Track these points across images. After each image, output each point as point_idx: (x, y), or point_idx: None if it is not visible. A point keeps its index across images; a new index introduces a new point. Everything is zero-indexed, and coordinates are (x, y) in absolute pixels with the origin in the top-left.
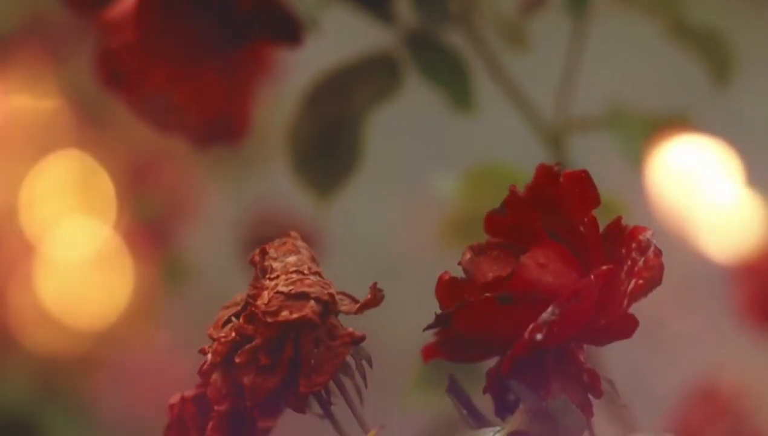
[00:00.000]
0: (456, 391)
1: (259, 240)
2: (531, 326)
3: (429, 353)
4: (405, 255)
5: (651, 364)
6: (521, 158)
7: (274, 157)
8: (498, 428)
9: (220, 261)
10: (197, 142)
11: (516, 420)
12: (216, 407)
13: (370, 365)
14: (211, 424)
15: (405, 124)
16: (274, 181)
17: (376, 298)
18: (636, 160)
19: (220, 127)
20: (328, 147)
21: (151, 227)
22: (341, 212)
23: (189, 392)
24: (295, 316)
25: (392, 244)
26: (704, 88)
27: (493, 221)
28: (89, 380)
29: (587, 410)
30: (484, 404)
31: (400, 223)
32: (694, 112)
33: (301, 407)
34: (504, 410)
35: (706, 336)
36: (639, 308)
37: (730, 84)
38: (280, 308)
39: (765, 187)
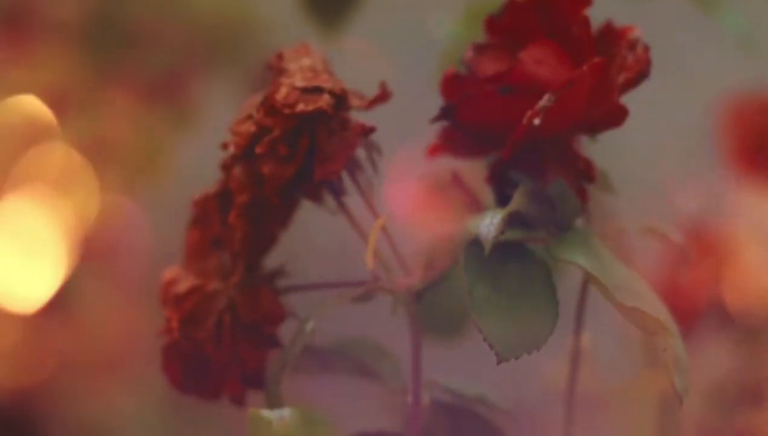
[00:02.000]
0: (459, 184)
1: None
2: (529, 113)
3: (434, 150)
4: (404, 93)
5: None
6: None
7: None
8: (498, 210)
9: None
10: None
11: (515, 202)
12: (238, 198)
13: (380, 156)
14: (233, 213)
15: None
16: None
17: (385, 94)
18: None
19: None
20: None
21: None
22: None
23: (212, 189)
24: (310, 107)
25: (392, 83)
26: None
27: (492, 25)
28: None
29: (582, 195)
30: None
31: (400, 62)
32: None
33: (316, 196)
34: (504, 200)
35: (694, 182)
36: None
37: None
38: (297, 101)
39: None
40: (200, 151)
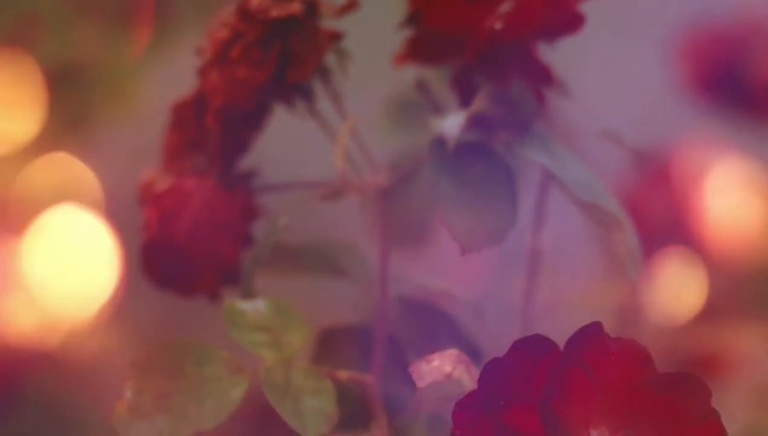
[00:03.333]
0: (423, 89)
1: None
2: (490, 18)
3: (401, 58)
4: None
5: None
6: None
7: None
8: (461, 112)
9: None
10: None
11: (477, 103)
12: (213, 102)
13: (350, 62)
14: (208, 117)
15: None
16: None
17: (353, 2)
18: None
19: None
20: None
21: None
22: None
23: (188, 94)
24: (283, 13)
25: None
26: None
27: None
28: None
29: (541, 99)
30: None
31: None
32: None
33: (288, 100)
34: (467, 104)
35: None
36: None
37: None
38: (270, 7)
39: None
40: (174, 74)
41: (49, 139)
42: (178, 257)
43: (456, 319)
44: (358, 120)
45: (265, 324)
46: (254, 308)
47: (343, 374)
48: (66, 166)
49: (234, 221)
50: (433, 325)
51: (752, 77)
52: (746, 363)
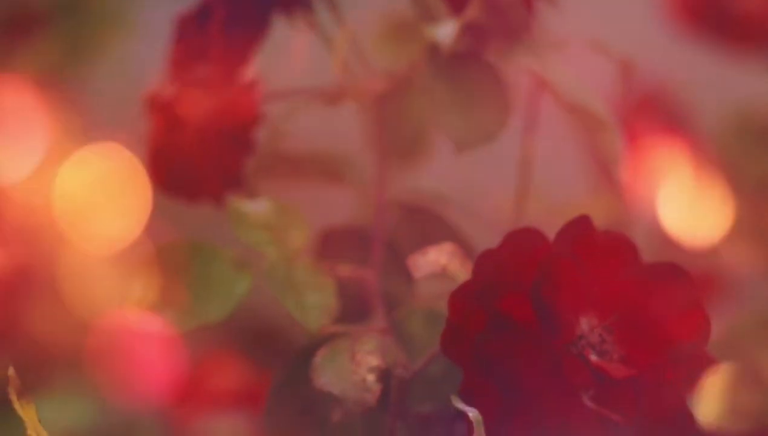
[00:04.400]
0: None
1: None
2: None
3: None
4: None
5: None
6: None
7: None
8: (453, 20)
9: None
10: None
11: (469, 12)
12: (217, 13)
13: None
14: (213, 27)
15: None
16: None
17: None
18: None
19: None
20: None
21: None
22: None
23: (192, 7)
24: None
25: None
26: None
27: None
28: None
29: (532, 8)
30: None
31: None
32: None
33: (288, 11)
34: (459, 12)
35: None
36: None
37: None
38: None
39: None
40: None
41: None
42: (184, 163)
43: (450, 221)
44: (355, 29)
45: (268, 223)
46: (257, 208)
47: (344, 270)
48: None
49: (238, 129)
50: (428, 227)
51: (737, 7)
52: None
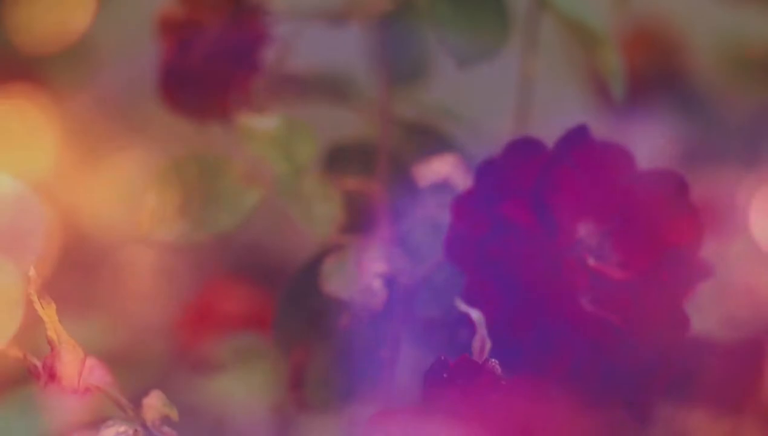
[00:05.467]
0: None
1: None
2: None
3: None
4: None
5: None
6: None
7: None
8: None
9: None
10: None
11: None
12: None
13: None
14: None
15: None
16: None
17: None
18: None
19: None
20: None
21: None
22: None
23: None
24: None
25: None
26: None
27: None
28: None
29: None
30: None
31: None
32: None
33: None
34: None
35: None
36: None
37: None
38: None
39: None
40: None
41: None
42: (194, 83)
43: (453, 137)
44: None
45: (277, 138)
46: (266, 124)
47: (350, 183)
48: None
49: (246, 49)
50: (431, 142)
51: None
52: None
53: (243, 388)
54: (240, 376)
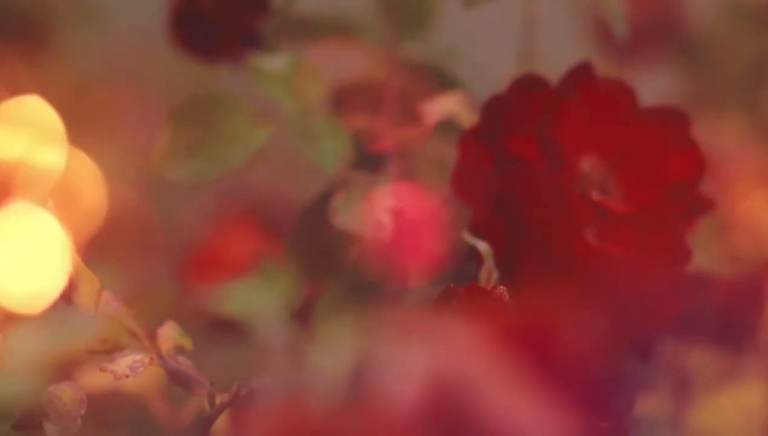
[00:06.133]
0: None
1: None
2: None
3: None
4: None
5: None
6: None
7: None
8: None
9: None
10: None
11: None
12: None
13: None
14: None
15: None
16: None
17: None
18: None
19: None
20: None
21: None
22: None
23: None
24: None
25: None
26: None
27: None
28: None
29: None
30: None
31: None
32: None
33: None
34: None
35: None
36: None
37: None
38: None
39: None
40: None
41: None
42: (205, 23)
43: (459, 77)
44: None
45: (286, 77)
46: (275, 63)
47: (358, 121)
48: None
49: None
50: (437, 82)
51: None
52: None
53: (262, 299)
54: (258, 286)
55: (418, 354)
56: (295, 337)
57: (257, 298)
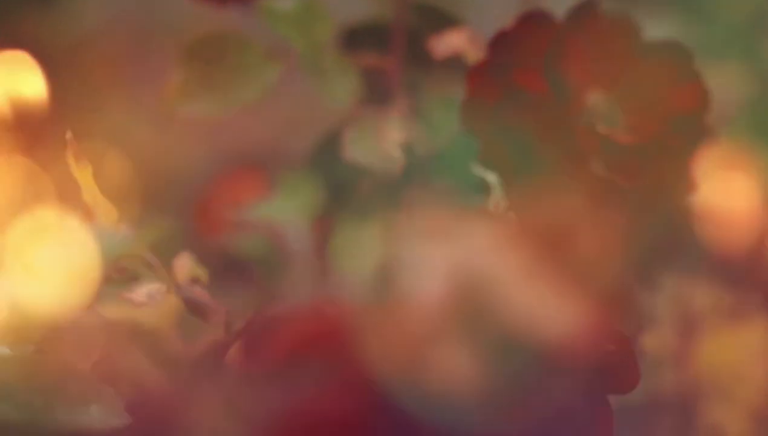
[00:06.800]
0: None
1: None
2: None
3: None
4: None
5: None
6: None
7: None
8: None
9: None
10: None
11: None
12: None
13: None
14: None
15: None
16: None
17: None
18: None
19: None
20: None
21: None
22: None
23: None
24: None
25: None
26: None
27: None
28: None
29: None
30: None
31: None
32: None
33: None
34: None
35: None
36: None
37: None
38: None
39: None
40: None
41: None
42: None
43: (464, 17)
44: None
45: (296, 17)
46: (285, 4)
47: (367, 59)
48: None
49: None
50: (444, 22)
51: None
52: None
53: (286, 206)
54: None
55: (441, 253)
56: (319, 241)
57: (281, 205)
